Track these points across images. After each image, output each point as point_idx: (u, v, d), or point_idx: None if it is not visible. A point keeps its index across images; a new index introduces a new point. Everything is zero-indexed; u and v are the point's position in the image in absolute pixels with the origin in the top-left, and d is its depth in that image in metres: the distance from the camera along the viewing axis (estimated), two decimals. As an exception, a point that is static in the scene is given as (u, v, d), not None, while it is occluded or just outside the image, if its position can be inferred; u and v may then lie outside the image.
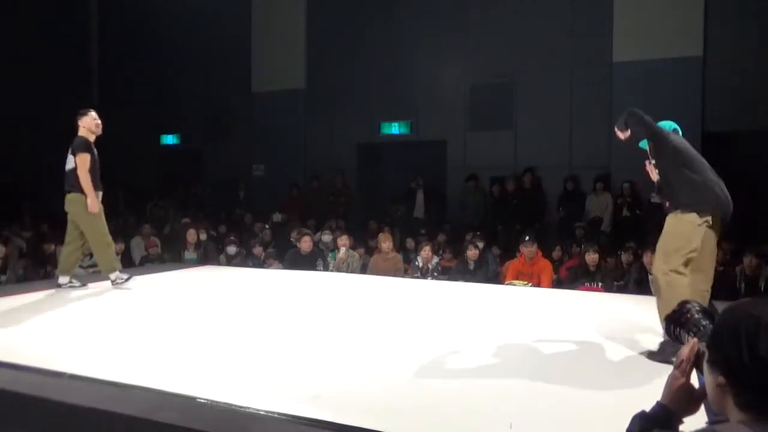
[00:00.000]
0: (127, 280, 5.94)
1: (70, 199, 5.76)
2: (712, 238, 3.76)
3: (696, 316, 1.49)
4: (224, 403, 2.87)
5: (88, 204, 5.62)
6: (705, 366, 1.23)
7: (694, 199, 3.66)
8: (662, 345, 3.64)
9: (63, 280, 5.89)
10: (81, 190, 5.67)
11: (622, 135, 3.92)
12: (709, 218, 3.66)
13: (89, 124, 5.81)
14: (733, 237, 7.75)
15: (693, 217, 3.64)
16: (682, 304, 1.55)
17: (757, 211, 9.03)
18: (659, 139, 3.79)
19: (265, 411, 2.78)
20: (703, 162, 3.81)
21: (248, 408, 2.82)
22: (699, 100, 9.80)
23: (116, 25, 15.40)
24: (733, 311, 1.18)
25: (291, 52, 12.96)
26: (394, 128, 12.12)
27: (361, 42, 12.24)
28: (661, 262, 3.69)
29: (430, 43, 11.63)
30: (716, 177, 3.76)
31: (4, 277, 7.18)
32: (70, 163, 5.75)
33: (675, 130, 4.00)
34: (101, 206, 5.82)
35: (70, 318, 4.76)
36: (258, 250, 8.95)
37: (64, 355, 3.65)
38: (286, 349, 3.88)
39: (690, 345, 1.37)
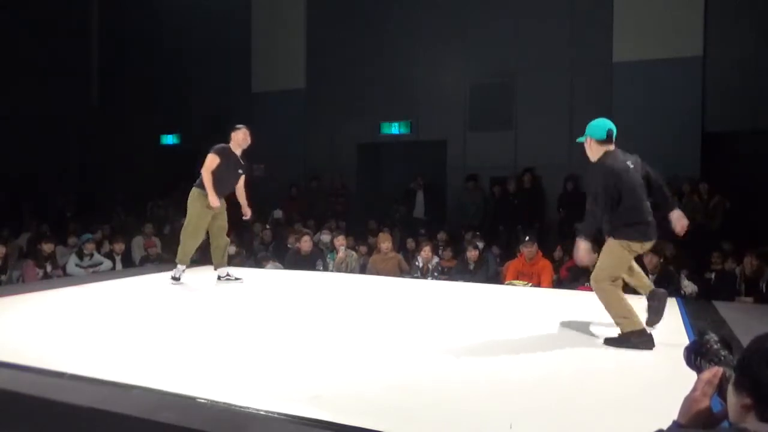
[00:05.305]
0: (176, 279, 6.18)
1: (190, 193, 6.15)
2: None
3: (715, 347, 1.65)
4: (224, 403, 2.86)
5: (209, 200, 5.96)
6: (730, 388, 1.38)
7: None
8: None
9: (221, 272, 6.37)
10: (201, 186, 6.05)
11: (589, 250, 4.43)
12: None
13: (238, 139, 6.37)
14: (734, 237, 7.76)
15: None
16: (701, 337, 1.70)
17: (757, 212, 9.03)
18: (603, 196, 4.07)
19: (265, 411, 2.78)
20: (634, 188, 4.01)
21: (248, 408, 2.82)
22: (699, 100, 9.81)
23: (116, 25, 15.41)
24: (762, 339, 1.36)
25: (291, 52, 12.97)
26: (394, 128, 12.12)
27: (361, 42, 12.25)
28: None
29: (430, 43, 11.63)
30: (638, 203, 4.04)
31: (4, 277, 7.17)
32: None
33: (609, 130, 4.04)
34: (220, 205, 6.19)
35: (70, 318, 4.76)
36: (262, 255, 8.96)
37: (64, 355, 3.65)
38: (286, 349, 3.88)
39: (713, 372, 1.52)
